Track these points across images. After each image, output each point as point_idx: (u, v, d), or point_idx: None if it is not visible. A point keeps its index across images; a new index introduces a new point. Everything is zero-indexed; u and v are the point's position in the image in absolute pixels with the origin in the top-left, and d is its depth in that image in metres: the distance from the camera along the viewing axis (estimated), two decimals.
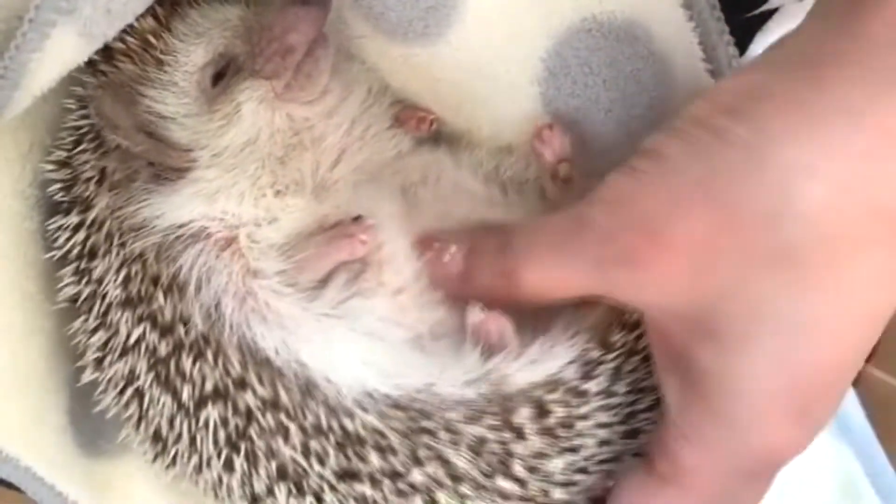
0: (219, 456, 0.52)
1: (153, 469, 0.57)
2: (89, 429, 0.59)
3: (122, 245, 0.52)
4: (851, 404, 0.77)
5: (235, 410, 0.51)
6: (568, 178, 0.55)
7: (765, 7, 0.58)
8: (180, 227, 0.52)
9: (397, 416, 0.51)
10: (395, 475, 0.50)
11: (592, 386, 0.52)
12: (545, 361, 0.51)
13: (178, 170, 0.53)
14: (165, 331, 0.52)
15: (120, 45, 0.52)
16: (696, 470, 0.45)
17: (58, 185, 0.55)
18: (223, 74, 0.54)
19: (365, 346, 0.52)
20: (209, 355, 0.51)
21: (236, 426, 0.51)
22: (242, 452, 0.52)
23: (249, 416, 0.51)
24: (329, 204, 0.55)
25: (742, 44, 0.58)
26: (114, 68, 0.54)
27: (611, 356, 0.52)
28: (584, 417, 0.51)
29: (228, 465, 0.52)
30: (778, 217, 0.40)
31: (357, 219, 0.53)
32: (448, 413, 0.51)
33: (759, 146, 0.40)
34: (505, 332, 0.51)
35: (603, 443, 0.52)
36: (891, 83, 0.38)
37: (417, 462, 0.50)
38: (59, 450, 0.58)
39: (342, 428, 0.51)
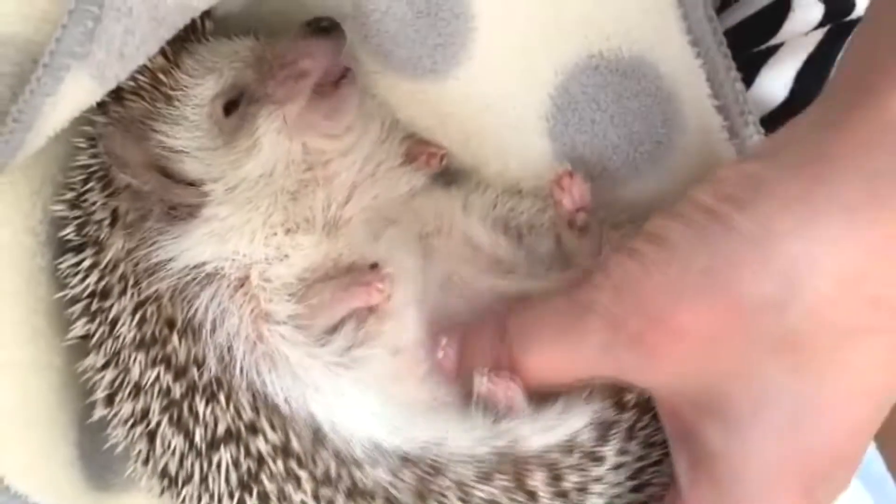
0: (230, 496, 0.52)
1: (161, 502, 0.57)
2: (98, 463, 0.59)
3: (137, 286, 0.53)
4: None
5: (248, 453, 0.51)
6: (585, 227, 0.55)
7: (771, 42, 0.58)
8: (194, 268, 0.52)
9: (407, 474, 0.50)
10: None
11: (608, 451, 0.51)
12: (560, 425, 0.51)
13: (188, 206, 0.53)
14: (179, 373, 0.52)
15: (129, 83, 0.53)
16: None
17: (70, 225, 0.55)
18: (236, 104, 0.54)
19: (373, 397, 0.52)
20: (222, 398, 0.51)
21: (248, 469, 0.51)
22: (255, 494, 0.51)
23: (261, 460, 0.51)
24: (342, 242, 0.55)
25: (748, 78, 0.58)
26: (123, 108, 0.54)
27: (625, 416, 0.52)
28: (598, 480, 0.51)
29: None
30: (783, 306, 0.41)
31: (374, 266, 0.53)
32: (460, 469, 0.50)
33: (764, 238, 0.41)
34: (515, 399, 0.51)
35: (613, 497, 0.52)
36: (887, 186, 0.40)
37: None
38: (67, 484, 0.58)
39: (351, 478, 0.50)
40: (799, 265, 0.41)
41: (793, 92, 0.59)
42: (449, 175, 0.61)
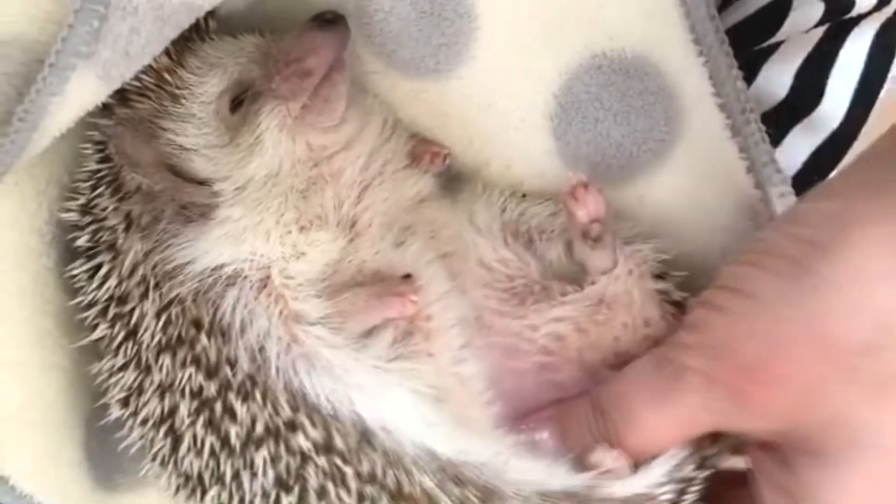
0: (265, 496, 0.51)
1: (175, 501, 0.56)
2: (105, 463, 0.59)
3: (159, 289, 0.52)
4: None
5: (288, 450, 0.50)
6: (599, 238, 0.54)
7: (772, 40, 0.59)
8: (213, 270, 0.52)
9: (454, 490, 0.49)
10: None
11: None
12: (641, 475, 0.50)
13: (200, 206, 0.53)
14: (211, 372, 0.51)
15: (135, 84, 0.53)
16: None
17: (83, 232, 0.54)
18: (242, 100, 0.54)
19: (424, 404, 0.51)
20: (258, 396, 0.50)
21: (287, 466, 0.50)
22: (294, 492, 0.51)
23: (304, 457, 0.50)
24: (365, 248, 0.55)
25: (749, 76, 0.58)
26: (130, 109, 0.54)
27: (702, 474, 0.52)
28: None
29: None
30: (878, 350, 0.41)
31: (406, 277, 0.53)
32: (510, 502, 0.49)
33: (853, 285, 0.41)
34: (622, 470, 0.50)
35: None
36: None
37: None
38: (74, 485, 0.58)
39: (397, 480, 0.49)
40: (890, 308, 0.41)
41: (793, 89, 0.60)
42: (453, 178, 0.61)
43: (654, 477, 0.51)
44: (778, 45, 0.60)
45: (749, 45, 0.59)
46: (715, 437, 0.52)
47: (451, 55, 0.54)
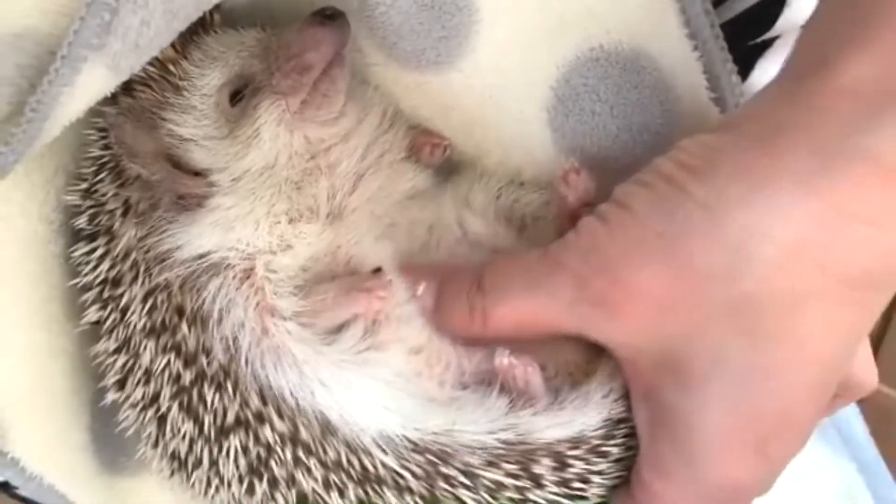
0: (240, 481, 0.53)
1: (171, 484, 0.58)
2: (110, 446, 0.60)
3: (148, 274, 0.53)
4: (854, 418, 0.78)
5: (257, 441, 0.52)
6: None
7: (767, 35, 0.60)
8: (201, 257, 0.53)
9: (415, 460, 0.51)
10: None
11: (613, 448, 0.52)
12: (575, 420, 0.52)
13: (196, 196, 0.54)
14: (189, 361, 0.53)
15: (139, 74, 0.53)
16: (664, 499, 0.49)
17: (83, 215, 0.56)
18: (241, 93, 0.55)
19: (384, 392, 0.53)
20: (229, 387, 0.52)
21: (258, 455, 0.52)
22: (265, 480, 0.52)
23: (270, 448, 0.52)
24: (344, 234, 0.56)
25: (744, 71, 0.59)
26: (133, 98, 0.55)
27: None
28: (600, 473, 0.53)
29: (250, 490, 0.53)
30: (734, 273, 0.43)
31: (376, 271, 0.54)
32: (468, 458, 0.51)
33: (717, 207, 0.44)
34: (532, 380, 0.52)
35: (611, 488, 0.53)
36: (835, 155, 0.41)
37: (434, 502, 0.51)
38: (80, 467, 0.59)
39: (361, 466, 0.51)
40: (748, 233, 0.43)
41: None
42: (451, 166, 0.62)
43: (585, 423, 0.52)
44: (773, 40, 0.61)
45: (744, 40, 0.60)
46: None
47: (451, 48, 0.55)
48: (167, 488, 0.59)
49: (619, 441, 0.53)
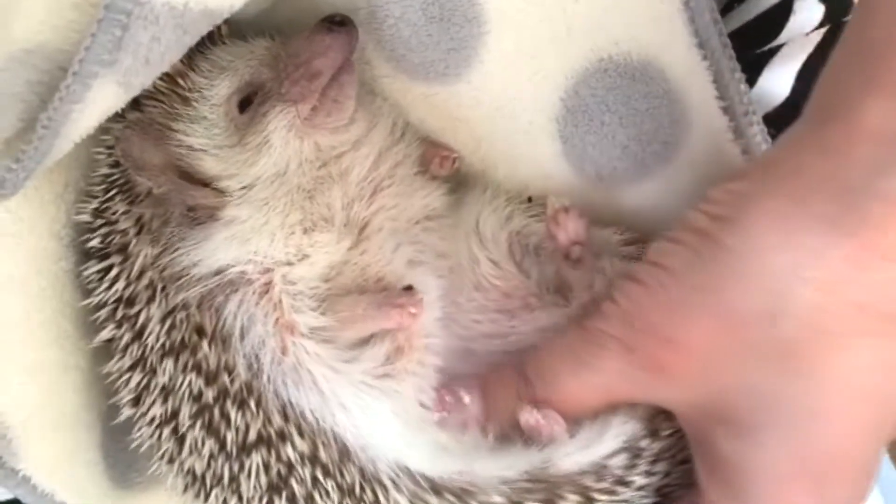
0: (260, 500, 0.53)
1: (185, 500, 0.57)
2: (121, 462, 0.60)
3: (165, 293, 0.53)
4: None
5: (278, 458, 0.52)
6: (579, 260, 0.56)
7: (773, 43, 0.60)
8: (218, 273, 0.53)
9: (432, 501, 0.51)
10: None
11: (637, 476, 0.52)
12: (593, 446, 0.52)
13: (207, 208, 0.54)
14: (210, 379, 0.53)
15: (147, 88, 0.52)
16: None
17: (95, 234, 0.56)
18: (250, 101, 0.55)
19: (402, 422, 0.53)
20: (252, 404, 0.52)
21: (278, 472, 0.52)
22: (283, 497, 0.52)
23: (290, 466, 0.52)
24: (369, 254, 0.56)
25: (751, 78, 0.59)
26: (141, 112, 0.55)
27: (655, 444, 0.53)
28: (626, 502, 0.52)
29: None
30: (773, 317, 0.44)
31: (408, 289, 0.54)
32: (491, 497, 0.51)
33: (752, 255, 0.44)
34: (557, 433, 0.52)
35: None
36: (861, 197, 0.42)
37: None
38: (91, 484, 0.59)
39: (375, 496, 0.51)
40: (786, 278, 0.43)
41: (794, 91, 0.60)
42: (461, 182, 0.62)
43: (604, 449, 0.52)
44: (779, 47, 0.61)
45: (751, 48, 0.60)
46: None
47: (460, 60, 0.55)
48: (181, 502, 0.58)
49: (643, 469, 0.52)
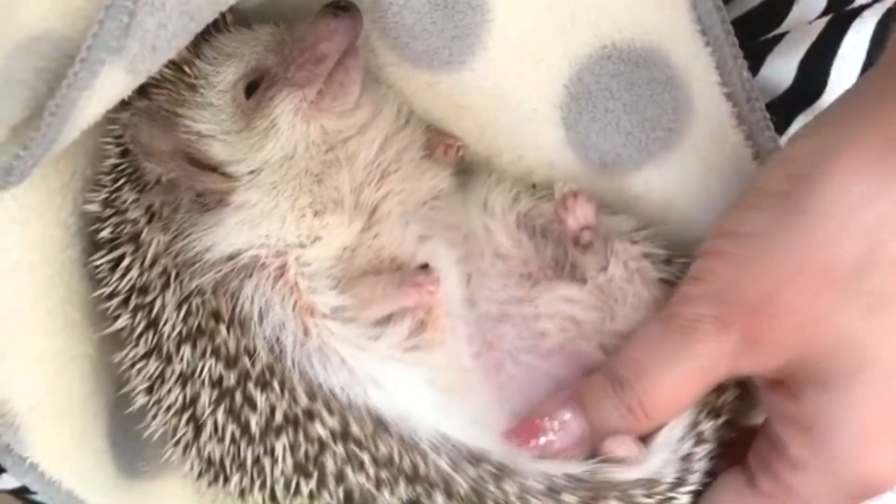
0: (287, 483, 0.52)
1: (194, 487, 0.58)
2: (129, 451, 0.60)
3: (179, 280, 0.53)
4: None
5: (307, 438, 0.52)
6: (589, 245, 0.56)
7: (776, 31, 0.60)
8: (231, 258, 0.53)
9: (469, 471, 0.51)
10: None
11: (683, 496, 0.52)
12: (648, 461, 0.52)
13: (216, 194, 0.54)
14: (231, 363, 0.53)
15: (153, 76, 0.53)
16: (799, 492, 0.48)
17: (106, 224, 0.56)
18: (257, 86, 0.55)
19: (438, 391, 0.53)
20: (276, 385, 0.52)
21: (306, 452, 0.52)
22: (314, 478, 0.52)
23: (322, 444, 0.51)
24: (383, 236, 0.56)
25: (754, 66, 0.59)
26: (149, 100, 0.55)
27: (701, 449, 0.54)
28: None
29: (296, 490, 0.52)
30: (869, 269, 0.44)
31: (424, 267, 0.54)
32: (528, 481, 0.51)
33: (840, 210, 0.44)
34: (633, 457, 0.51)
35: None
36: None
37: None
38: (98, 472, 0.59)
39: (413, 464, 0.51)
40: (874, 229, 0.43)
41: (797, 79, 0.61)
42: (465, 169, 0.62)
43: (656, 463, 0.52)
44: (782, 35, 0.61)
45: (754, 36, 0.60)
46: (711, 410, 0.54)
47: (463, 47, 0.55)
48: (190, 490, 0.59)
49: (690, 488, 0.52)
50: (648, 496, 0.51)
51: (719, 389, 0.53)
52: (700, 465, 0.53)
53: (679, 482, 0.53)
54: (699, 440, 0.54)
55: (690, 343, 0.48)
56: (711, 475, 0.54)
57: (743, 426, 0.57)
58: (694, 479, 0.53)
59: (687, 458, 0.53)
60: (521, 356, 0.57)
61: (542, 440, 0.52)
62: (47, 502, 0.58)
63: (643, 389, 0.50)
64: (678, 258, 0.58)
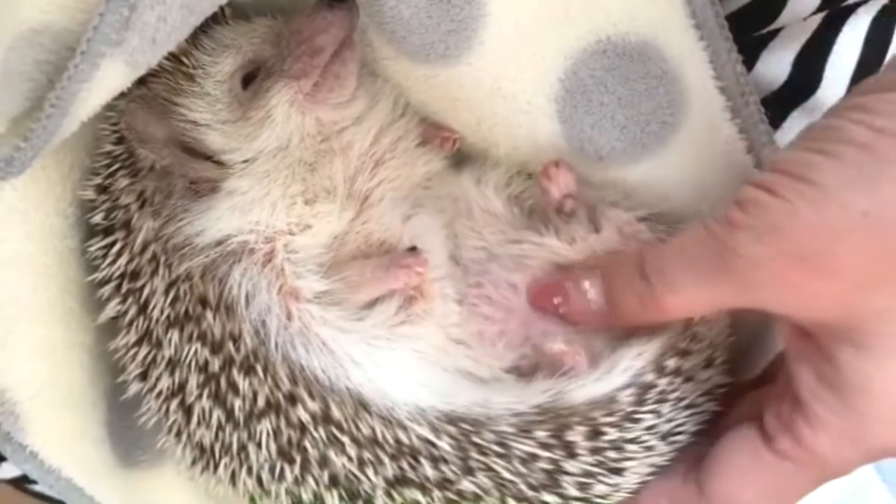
0: (271, 467, 0.54)
1: (189, 475, 0.58)
2: (127, 440, 0.61)
3: (168, 265, 0.54)
4: None
5: (288, 423, 0.53)
6: (572, 213, 0.57)
7: (771, 26, 0.60)
8: (220, 243, 0.54)
9: (449, 430, 0.52)
10: (445, 482, 0.52)
11: (646, 415, 0.53)
12: (604, 380, 0.53)
13: (209, 181, 0.55)
14: (216, 348, 0.53)
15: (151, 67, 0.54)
16: (820, 453, 0.47)
17: (99, 210, 0.56)
18: (254, 77, 0.56)
19: (418, 368, 0.54)
20: (259, 370, 0.53)
21: (289, 438, 0.53)
22: (297, 463, 0.53)
23: (303, 429, 0.53)
24: (373, 221, 0.57)
25: (749, 61, 0.60)
26: (148, 88, 0.56)
27: (663, 381, 0.54)
28: (633, 441, 0.53)
29: (280, 475, 0.54)
30: None
31: (412, 249, 0.55)
32: (501, 427, 0.52)
33: None
34: (579, 365, 0.53)
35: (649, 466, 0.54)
36: None
37: (468, 471, 0.52)
38: (97, 461, 0.60)
39: (396, 440, 0.52)
40: None
41: (791, 75, 0.61)
42: (461, 158, 0.62)
43: (615, 382, 0.53)
44: (777, 31, 0.61)
45: (749, 31, 0.60)
46: (686, 352, 0.55)
47: (460, 41, 0.56)
48: (186, 479, 0.59)
49: (650, 407, 0.53)
50: (609, 415, 0.53)
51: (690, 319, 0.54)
52: (658, 387, 0.54)
53: (639, 402, 0.53)
54: (660, 373, 0.54)
55: (720, 271, 0.46)
56: (707, 423, 0.55)
57: (739, 381, 0.57)
58: (651, 401, 0.54)
59: (645, 385, 0.54)
60: (510, 277, 0.57)
61: (559, 300, 0.53)
62: (47, 491, 0.59)
63: (663, 291, 0.49)
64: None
